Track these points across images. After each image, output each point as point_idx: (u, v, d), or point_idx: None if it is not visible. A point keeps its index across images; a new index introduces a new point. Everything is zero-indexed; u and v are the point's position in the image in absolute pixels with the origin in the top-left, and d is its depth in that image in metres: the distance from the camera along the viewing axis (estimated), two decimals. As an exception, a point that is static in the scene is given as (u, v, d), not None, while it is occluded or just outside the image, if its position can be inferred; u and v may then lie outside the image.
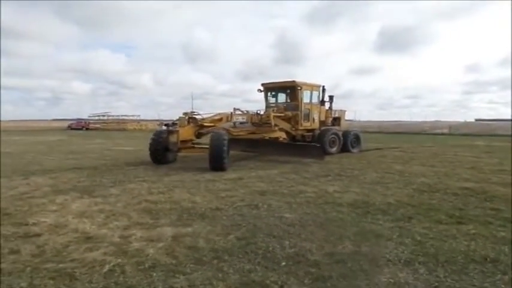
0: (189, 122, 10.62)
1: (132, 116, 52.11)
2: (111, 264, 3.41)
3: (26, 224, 4.69)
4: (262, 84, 14.41)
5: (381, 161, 11.81)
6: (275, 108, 13.45)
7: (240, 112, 12.34)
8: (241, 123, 12.75)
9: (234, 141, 11.07)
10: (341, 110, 16.06)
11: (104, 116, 53.59)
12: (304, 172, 9.22)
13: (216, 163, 9.30)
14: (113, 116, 52.70)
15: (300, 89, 13.36)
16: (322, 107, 14.66)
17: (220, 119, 11.47)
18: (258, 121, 12.62)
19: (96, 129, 47.58)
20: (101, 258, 3.54)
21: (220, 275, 3.22)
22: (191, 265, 3.43)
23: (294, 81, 13.44)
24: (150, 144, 10.58)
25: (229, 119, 11.82)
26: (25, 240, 4.07)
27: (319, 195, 6.44)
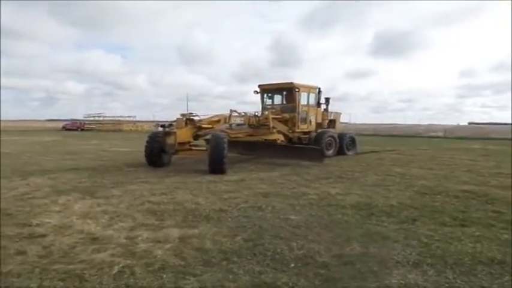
0: (186, 124, 10.38)
1: (128, 117, 51.84)
2: (120, 265, 3.39)
3: (30, 225, 4.64)
4: (259, 86, 14.31)
5: (380, 163, 11.88)
6: (273, 110, 13.28)
7: (237, 114, 12.13)
8: (237, 125, 12.56)
9: (231, 144, 10.85)
10: (336, 113, 16.00)
11: (99, 116, 53.26)
12: (304, 174, 9.24)
13: (216, 165, 9.16)
14: (108, 116, 52.39)
15: (298, 91, 13.30)
16: (318, 109, 14.61)
17: (218, 121, 11.29)
18: (256, 123, 12.44)
19: (91, 130, 47.28)
20: (109, 260, 3.51)
21: (230, 276, 3.21)
22: (200, 267, 3.42)
23: (291, 82, 13.38)
24: (146, 145, 10.33)
25: (227, 120, 11.63)
26: (31, 241, 4.03)
27: (321, 197, 6.45)
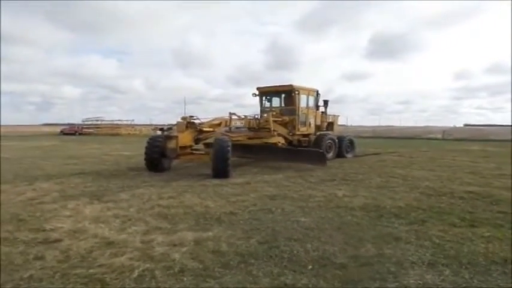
0: (187, 127, 10.05)
1: (126, 120, 51.75)
2: (140, 269, 3.42)
3: (43, 230, 4.66)
4: (258, 88, 14.16)
5: (382, 165, 11.95)
6: (273, 113, 13.19)
7: (236, 117, 12.00)
8: (236, 128, 12.51)
9: (232, 147, 10.30)
10: (334, 115, 15.91)
11: (97, 120, 53.11)
12: (308, 177, 9.28)
13: (220, 170, 8.99)
14: (106, 120, 52.26)
15: (298, 93, 13.18)
16: (317, 111, 14.56)
17: (219, 124, 11.16)
18: (256, 126, 12.42)
19: (89, 134, 47.09)
20: (128, 263, 3.54)
21: (250, 278, 3.25)
22: (219, 269, 3.45)
23: (291, 85, 13.22)
24: (146, 150, 10.07)
25: (227, 123, 11.53)
26: (47, 246, 4.05)
27: (329, 200, 6.51)
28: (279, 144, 12.53)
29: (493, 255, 3.78)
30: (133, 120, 52.57)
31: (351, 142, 15.19)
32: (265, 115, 13.07)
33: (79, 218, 5.24)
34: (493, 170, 10.84)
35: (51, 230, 4.67)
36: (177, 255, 3.76)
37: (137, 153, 15.72)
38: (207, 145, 11.68)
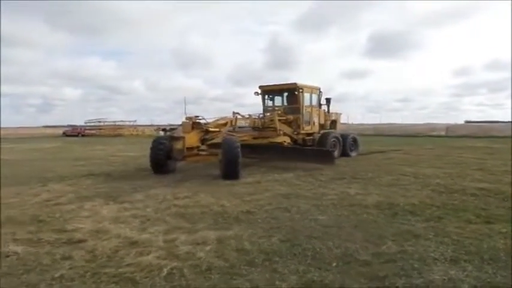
0: (193, 127, 9.71)
1: (129, 121, 51.83)
2: (168, 267, 3.47)
3: (65, 231, 4.73)
4: (260, 87, 13.96)
5: (389, 163, 12.00)
6: (279, 111, 13.04)
7: (240, 116, 11.79)
8: (239, 127, 12.24)
9: None
10: (337, 113, 15.80)
11: (99, 122, 53.25)
12: (318, 175, 9.32)
13: (230, 171, 8.80)
14: (108, 121, 52.40)
15: (302, 91, 13.04)
16: (320, 109, 14.46)
17: (225, 124, 10.93)
18: (261, 125, 12.24)
19: (91, 135, 47.21)
20: (156, 262, 3.60)
21: (277, 276, 3.31)
22: (245, 267, 3.51)
23: (295, 83, 13.07)
24: (151, 152, 9.80)
25: (233, 123, 11.31)
26: (72, 246, 4.11)
27: (342, 198, 6.56)
28: (285, 144, 12.43)
29: (514, 251, 3.83)
30: (135, 120, 52.70)
31: (355, 140, 15.03)
32: (268, 114, 12.92)
33: (98, 219, 5.30)
34: (500, 166, 10.87)
35: (73, 230, 4.74)
36: (202, 254, 3.82)
37: (143, 154, 15.69)
38: (213, 146, 11.05)
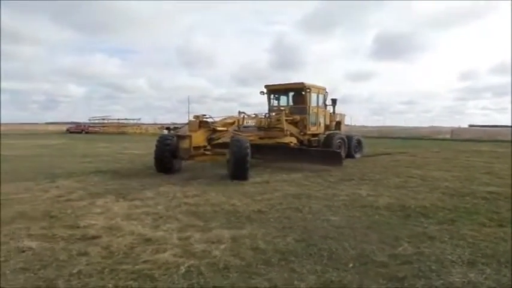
0: (200, 126, 9.46)
1: (133, 119, 51.98)
2: (185, 265, 3.47)
3: (78, 227, 4.73)
4: (266, 86, 13.78)
5: (396, 165, 11.96)
6: (286, 111, 12.69)
7: (246, 115, 11.55)
8: (244, 127, 11.92)
9: None
10: (341, 114, 15.67)
11: (103, 119, 53.40)
12: (326, 176, 9.30)
13: (239, 172, 8.56)
14: (112, 119, 52.56)
15: (309, 92, 12.91)
16: (326, 110, 14.34)
17: (232, 123, 10.70)
18: (267, 125, 12.06)
19: (95, 132, 47.35)
20: (173, 260, 3.60)
21: (296, 275, 3.30)
22: (262, 266, 3.50)
23: (302, 83, 12.91)
24: (156, 150, 9.60)
25: (240, 122, 11.13)
26: (87, 243, 4.11)
27: (353, 199, 6.54)
28: (292, 144, 12.22)
29: (531, 255, 3.81)
30: (139, 119, 52.81)
31: (359, 142, 14.94)
32: (274, 114, 12.73)
33: (110, 215, 5.31)
34: (508, 170, 10.81)
35: (86, 226, 4.73)
36: (217, 252, 3.82)
37: (148, 152, 15.69)
38: (220, 145, 10.84)
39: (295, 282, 3.15)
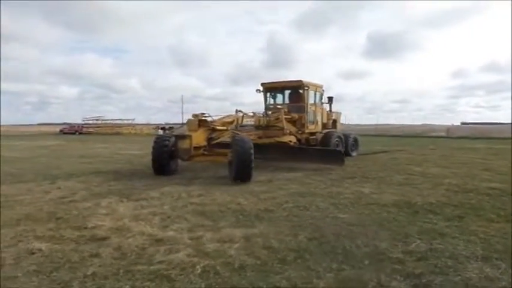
0: (199, 125, 9.07)
1: (127, 120, 51.59)
2: (201, 265, 3.43)
3: (86, 228, 4.66)
4: (262, 84, 13.46)
5: (396, 163, 12.02)
6: (285, 110, 12.30)
7: (241, 114, 11.02)
8: (241, 126, 11.42)
9: None
10: (337, 112, 15.53)
11: (97, 120, 52.95)
12: (327, 174, 9.32)
13: (243, 173, 8.20)
14: (107, 119, 52.14)
15: (307, 89, 12.66)
16: (323, 108, 14.21)
17: (232, 122, 10.34)
18: (266, 123, 11.80)
19: (89, 133, 46.96)
20: (188, 260, 3.56)
21: (313, 273, 3.28)
22: (277, 265, 3.48)
23: (300, 80, 12.65)
24: (153, 151, 9.29)
25: (239, 121, 10.77)
26: (97, 244, 4.05)
27: (358, 197, 6.55)
28: (291, 143, 11.99)
29: (543, 250, 3.83)
30: (134, 119, 52.43)
31: (355, 140, 14.91)
32: (270, 112, 12.41)
33: (117, 216, 5.25)
34: (506, 167, 10.92)
35: (94, 227, 4.67)
36: (231, 252, 3.78)
37: (146, 152, 15.54)
38: (220, 145, 10.47)
39: (314, 281, 3.13)
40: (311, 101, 13.14)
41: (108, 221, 4.99)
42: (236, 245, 3.99)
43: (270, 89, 13.66)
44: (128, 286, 3.03)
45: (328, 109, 14.74)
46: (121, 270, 3.32)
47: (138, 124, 54.97)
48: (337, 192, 6.98)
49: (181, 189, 7.23)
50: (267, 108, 13.51)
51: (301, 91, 12.82)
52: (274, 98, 13.96)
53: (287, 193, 6.88)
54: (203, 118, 9.32)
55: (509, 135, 26.91)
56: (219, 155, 9.45)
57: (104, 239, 4.24)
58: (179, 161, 9.62)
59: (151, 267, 3.39)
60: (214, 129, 9.59)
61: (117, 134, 44.27)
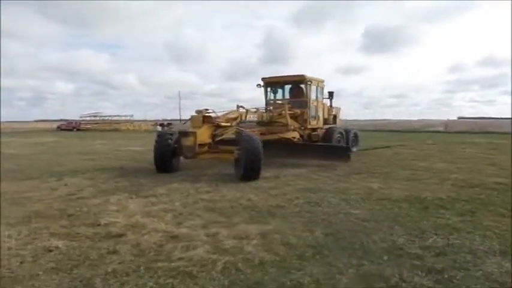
0: (204, 122, 8.74)
1: (125, 116, 51.24)
2: (221, 261, 3.43)
3: (99, 225, 4.65)
4: (263, 79, 13.18)
5: (399, 158, 12.05)
6: (289, 105, 12.09)
7: (243, 109, 10.68)
8: (242, 122, 10.88)
9: None
10: (337, 108, 15.38)
11: (95, 116, 52.67)
12: (332, 170, 9.31)
13: (252, 172, 7.95)
14: (105, 116, 51.88)
15: (310, 84, 12.44)
16: (324, 103, 14.00)
17: (236, 118, 10.02)
18: (269, 119, 11.57)
19: (87, 129, 46.70)
20: (207, 257, 3.55)
21: (334, 269, 3.28)
22: (297, 261, 3.48)
23: (303, 75, 12.44)
24: (155, 148, 9.12)
25: (243, 117, 10.47)
26: (114, 241, 4.04)
27: (367, 192, 6.55)
28: (295, 140, 11.95)
29: (559, 244, 3.86)
30: (132, 115, 52.06)
31: (356, 136, 14.84)
32: (272, 108, 12.17)
33: (128, 213, 5.23)
34: (508, 161, 10.96)
35: (107, 224, 4.66)
36: (250, 248, 3.78)
37: (147, 149, 15.52)
38: (223, 142, 10.02)
39: (336, 276, 3.14)
40: (313, 96, 12.97)
41: (121, 217, 4.97)
42: (253, 242, 3.98)
43: (271, 83, 13.38)
44: (151, 283, 3.02)
45: (328, 104, 14.67)
46: (142, 268, 3.31)
47: (135, 120, 54.70)
48: (345, 187, 6.99)
49: (189, 186, 7.22)
50: (267, 103, 13.35)
51: (303, 86, 12.64)
52: (275, 93, 13.68)
53: (295, 189, 6.88)
54: (207, 114, 8.99)
55: (507, 130, 27.05)
56: (224, 152, 9.16)
57: (120, 236, 4.22)
58: (181, 158, 9.38)
59: (172, 264, 3.38)
60: (218, 126, 9.27)
61: (115, 130, 44.01)
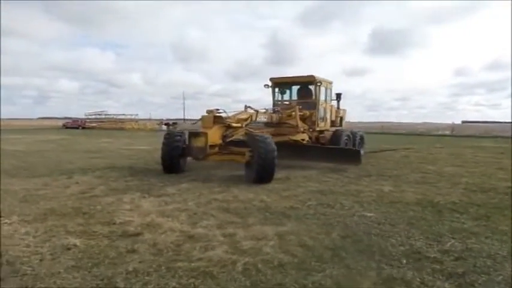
0: (214, 122, 8.40)
1: (130, 115, 51.44)
2: (241, 262, 3.44)
3: (115, 223, 4.67)
4: (271, 79, 13.00)
5: (408, 161, 12.02)
6: (299, 106, 11.82)
7: (251, 110, 10.34)
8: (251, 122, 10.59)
9: None
10: (343, 110, 15.18)
11: (99, 114, 52.88)
12: (342, 172, 9.31)
13: (266, 175, 7.78)
14: (110, 115, 52.08)
15: (319, 85, 12.24)
16: (332, 105, 13.90)
17: (247, 119, 9.65)
18: (278, 120, 11.38)
19: (92, 128, 46.89)
20: (226, 257, 3.56)
21: (354, 271, 3.28)
22: (316, 263, 3.48)
23: (312, 75, 12.24)
24: (163, 148, 8.95)
25: (254, 118, 10.10)
26: (131, 240, 4.05)
27: (379, 195, 6.54)
28: (304, 142, 11.84)
29: None
30: (137, 114, 52.22)
31: (362, 138, 14.71)
32: (280, 109, 11.87)
33: (143, 212, 5.24)
34: (518, 166, 10.91)
35: (123, 223, 4.67)
36: (268, 249, 3.78)
37: (154, 147, 15.62)
38: (233, 143, 9.73)
39: (357, 279, 3.14)
40: (322, 97, 12.90)
41: (136, 216, 4.99)
42: (271, 243, 3.98)
43: (280, 84, 13.23)
44: (173, 283, 3.03)
45: (335, 106, 14.63)
46: (162, 267, 3.32)
47: (140, 119, 54.83)
48: (357, 190, 6.98)
49: (200, 186, 7.24)
50: (275, 104, 13.29)
51: (311, 87, 12.56)
52: (282, 93, 13.56)
53: (307, 191, 6.87)
54: (218, 114, 8.65)
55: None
56: (235, 153, 8.85)
57: (137, 235, 4.24)
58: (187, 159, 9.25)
59: (192, 264, 3.39)
60: (229, 126, 8.95)
61: (121, 129, 44.16)
